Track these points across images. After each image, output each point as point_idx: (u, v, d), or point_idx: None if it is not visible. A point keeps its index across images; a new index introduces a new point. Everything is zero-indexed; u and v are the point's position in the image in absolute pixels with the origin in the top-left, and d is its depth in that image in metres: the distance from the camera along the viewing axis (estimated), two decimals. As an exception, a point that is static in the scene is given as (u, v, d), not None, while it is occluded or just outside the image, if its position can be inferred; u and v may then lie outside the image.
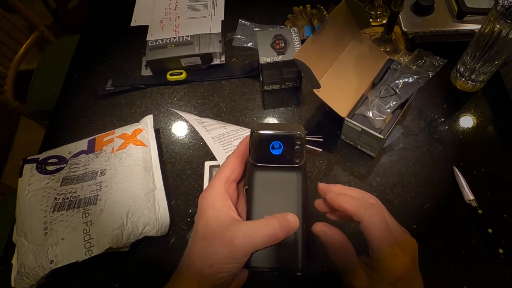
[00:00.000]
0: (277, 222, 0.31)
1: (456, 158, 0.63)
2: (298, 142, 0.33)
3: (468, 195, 0.59)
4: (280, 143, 0.33)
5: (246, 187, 0.36)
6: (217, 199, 0.33)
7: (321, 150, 0.65)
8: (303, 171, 0.35)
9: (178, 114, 0.69)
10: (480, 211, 0.57)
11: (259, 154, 0.34)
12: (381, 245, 0.31)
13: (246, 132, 0.62)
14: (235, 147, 0.37)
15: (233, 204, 0.34)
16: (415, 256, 0.33)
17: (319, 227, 0.34)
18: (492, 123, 0.67)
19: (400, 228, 0.34)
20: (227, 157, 0.36)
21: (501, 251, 0.53)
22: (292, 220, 0.32)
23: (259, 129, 0.33)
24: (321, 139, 0.66)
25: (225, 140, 0.58)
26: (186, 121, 0.72)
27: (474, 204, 0.58)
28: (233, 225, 0.31)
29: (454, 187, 0.60)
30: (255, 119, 0.71)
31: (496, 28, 0.57)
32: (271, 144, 0.33)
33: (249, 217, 0.34)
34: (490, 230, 0.55)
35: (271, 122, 0.71)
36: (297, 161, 0.34)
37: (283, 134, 0.33)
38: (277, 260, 0.32)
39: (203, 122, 0.60)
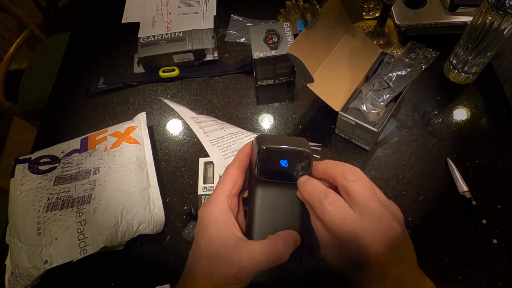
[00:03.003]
0: (282, 243, 0.31)
1: (450, 150, 0.64)
2: (306, 160, 0.33)
3: (462, 186, 0.59)
4: (288, 160, 0.33)
5: (245, 196, 0.36)
6: (220, 216, 0.32)
7: (319, 157, 0.65)
8: None
9: (172, 111, 0.69)
10: (474, 202, 0.57)
11: (265, 170, 0.33)
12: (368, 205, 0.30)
13: (245, 135, 0.61)
14: (235, 153, 0.36)
15: (235, 218, 0.33)
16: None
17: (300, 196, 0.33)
18: (485, 115, 0.67)
19: (386, 199, 0.32)
20: (228, 168, 0.35)
21: (495, 241, 0.54)
22: (295, 239, 0.32)
23: (267, 143, 0.32)
24: (319, 148, 0.65)
25: (224, 144, 0.57)
26: (180, 118, 0.71)
27: (468, 195, 0.58)
28: (239, 246, 0.31)
29: (448, 179, 0.61)
30: (249, 114, 0.71)
31: (488, 20, 0.58)
32: (279, 160, 0.33)
33: (250, 231, 0.33)
34: (484, 221, 0.55)
35: (273, 134, 0.69)
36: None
37: (292, 151, 0.33)
38: (278, 275, 0.32)
39: (200, 122, 0.59)
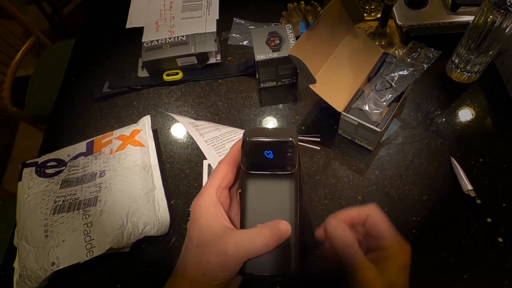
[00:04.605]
0: (269, 232, 0.32)
1: (454, 149, 0.64)
2: (290, 150, 0.33)
3: (467, 185, 0.59)
4: (272, 151, 0.33)
5: (240, 191, 0.36)
6: (209, 208, 0.33)
7: (318, 148, 0.65)
8: (296, 177, 0.34)
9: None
10: (478, 201, 0.57)
11: (251, 162, 0.34)
12: (390, 232, 0.35)
13: (240, 133, 0.61)
14: (228, 151, 0.37)
15: (226, 211, 0.34)
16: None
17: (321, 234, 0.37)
18: (488, 113, 0.67)
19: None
20: (219, 163, 0.36)
21: (500, 240, 0.54)
22: (284, 228, 0.32)
23: (251, 136, 0.33)
24: (318, 139, 0.66)
25: (218, 143, 0.58)
26: (184, 121, 0.72)
27: (473, 194, 0.58)
28: (226, 234, 0.32)
29: (452, 178, 0.61)
30: (253, 116, 0.71)
31: (489, 19, 0.58)
32: (263, 151, 0.33)
33: (242, 224, 0.34)
34: (489, 220, 0.55)
35: (264, 126, 0.70)
36: (289, 168, 0.34)
37: (275, 142, 0.33)
38: (270, 266, 0.33)
39: (197, 126, 0.60)
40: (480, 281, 0.52)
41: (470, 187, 0.59)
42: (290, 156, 0.33)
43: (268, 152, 0.33)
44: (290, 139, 0.33)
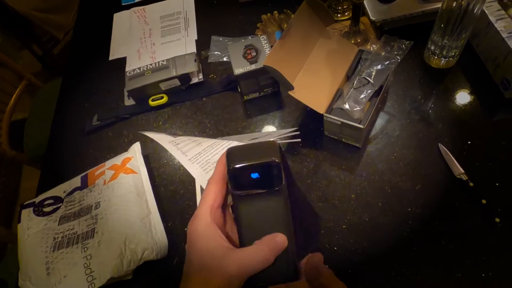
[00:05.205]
0: (267, 247, 0.33)
1: (441, 135, 0.64)
2: (275, 169, 0.34)
3: (458, 169, 0.59)
4: (258, 172, 0.34)
5: (232, 204, 0.37)
6: (206, 230, 0.34)
7: (299, 140, 0.63)
8: (285, 191, 0.35)
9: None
10: (471, 184, 0.57)
11: (239, 185, 0.35)
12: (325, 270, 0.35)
13: (221, 145, 0.61)
14: (214, 165, 0.37)
15: (221, 229, 0.35)
16: None
17: None
18: (471, 95, 0.67)
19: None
20: (208, 182, 0.37)
21: (497, 220, 0.53)
22: (281, 240, 0.33)
23: (234, 161, 0.34)
24: (298, 132, 0.64)
25: (202, 160, 0.58)
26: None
27: (465, 177, 0.58)
28: (227, 256, 0.33)
29: (443, 164, 0.60)
30: (240, 129, 0.72)
31: (456, 3, 0.58)
32: (249, 174, 0.34)
33: (240, 242, 0.35)
34: (483, 201, 0.55)
35: (243, 143, 0.68)
36: (277, 184, 0.34)
37: (259, 164, 0.34)
38: (271, 275, 0.34)
39: (177, 144, 0.61)
40: (482, 265, 0.52)
41: (461, 170, 0.58)
42: (276, 174, 0.34)
43: (254, 174, 0.34)
44: (273, 158, 0.34)
